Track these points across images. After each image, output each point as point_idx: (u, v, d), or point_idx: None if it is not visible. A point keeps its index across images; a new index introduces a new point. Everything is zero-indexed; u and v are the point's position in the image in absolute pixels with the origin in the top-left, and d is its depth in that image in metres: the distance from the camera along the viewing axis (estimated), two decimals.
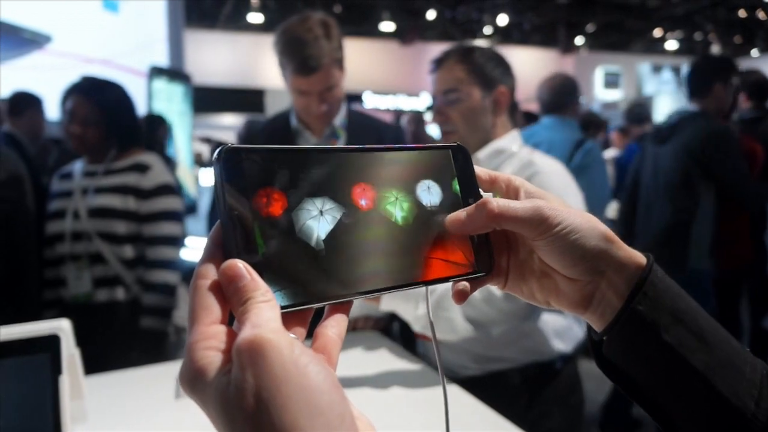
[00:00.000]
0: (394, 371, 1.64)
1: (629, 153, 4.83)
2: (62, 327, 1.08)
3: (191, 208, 5.88)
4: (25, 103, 3.78)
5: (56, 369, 0.99)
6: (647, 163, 3.16)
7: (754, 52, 17.18)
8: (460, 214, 0.56)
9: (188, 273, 2.45)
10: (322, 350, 0.44)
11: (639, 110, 4.85)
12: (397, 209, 0.54)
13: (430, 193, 0.57)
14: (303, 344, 0.39)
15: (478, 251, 0.58)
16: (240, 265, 0.41)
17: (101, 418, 1.36)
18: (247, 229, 0.44)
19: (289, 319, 0.44)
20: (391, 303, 1.52)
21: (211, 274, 0.43)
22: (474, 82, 1.71)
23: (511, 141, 1.75)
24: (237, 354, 0.37)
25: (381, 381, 1.57)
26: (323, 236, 0.48)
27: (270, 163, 0.47)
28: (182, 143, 6.60)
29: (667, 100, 12.40)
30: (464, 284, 0.57)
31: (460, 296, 0.56)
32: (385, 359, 1.72)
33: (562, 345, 1.71)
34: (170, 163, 4.49)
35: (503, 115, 1.77)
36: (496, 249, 0.60)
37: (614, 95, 16.34)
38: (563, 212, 0.54)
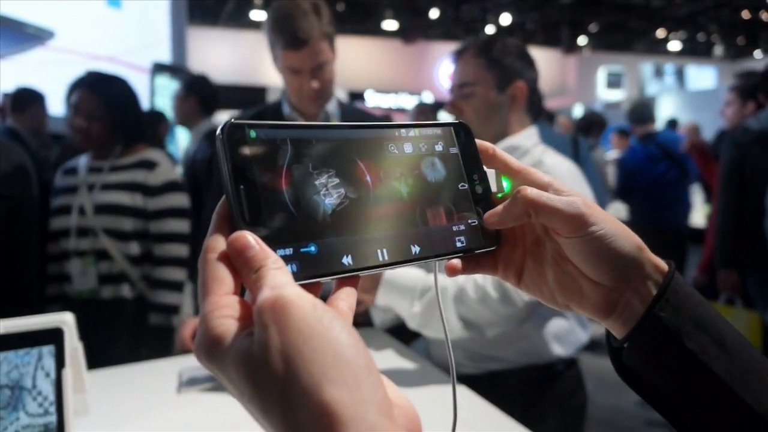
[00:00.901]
0: (399, 369, 1.64)
1: (632, 153, 4.82)
2: (66, 320, 1.08)
3: None
4: (28, 99, 3.79)
5: (60, 362, 0.99)
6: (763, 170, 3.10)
7: (757, 54, 17.16)
8: (497, 208, 0.57)
9: (194, 271, 2.42)
10: None
11: (642, 110, 4.82)
12: (402, 185, 0.55)
13: (434, 170, 0.58)
14: (323, 303, 0.39)
15: (484, 225, 0.58)
16: (248, 235, 0.42)
17: (103, 412, 1.36)
18: (251, 202, 0.44)
19: None
20: (387, 299, 1.50)
21: (219, 246, 0.42)
22: (490, 76, 1.68)
23: (526, 137, 1.71)
24: (259, 314, 0.37)
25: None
26: (329, 211, 0.49)
27: (274, 138, 0.48)
28: (184, 140, 6.60)
29: (669, 100, 12.38)
30: (456, 260, 0.57)
31: (453, 270, 0.57)
32: (390, 358, 1.72)
33: (561, 349, 1.68)
34: (171, 159, 4.49)
35: (520, 111, 1.73)
36: (512, 243, 0.60)
37: (617, 95, 16.33)
38: (600, 214, 0.53)
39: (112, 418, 1.35)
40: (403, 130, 0.57)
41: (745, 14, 13.87)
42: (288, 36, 1.82)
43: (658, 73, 17.17)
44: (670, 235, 4.15)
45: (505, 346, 1.66)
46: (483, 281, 1.47)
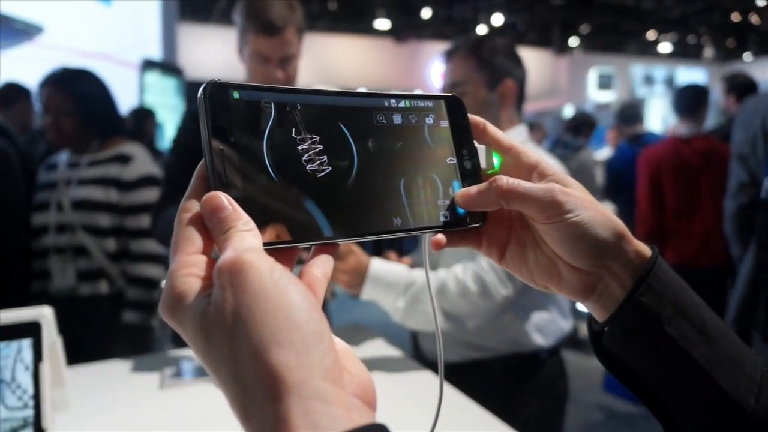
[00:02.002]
0: (382, 362, 1.64)
1: (620, 154, 4.84)
2: (44, 314, 1.07)
3: None
4: (14, 95, 3.77)
5: (37, 355, 0.99)
6: None
7: (747, 56, 17.25)
8: (471, 189, 0.56)
9: None
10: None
11: (631, 111, 4.85)
12: (388, 156, 0.53)
13: (422, 142, 0.56)
14: (283, 268, 0.39)
15: None
16: (222, 196, 0.42)
17: (84, 407, 1.36)
18: (229, 164, 0.43)
19: (274, 258, 0.43)
20: (372, 294, 1.54)
21: (194, 207, 0.43)
22: (480, 76, 1.72)
23: (516, 134, 1.76)
24: (218, 274, 0.38)
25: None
26: (310, 177, 0.48)
27: (258, 101, 0.47)
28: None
29: (659, 102, 12.45)
30: (441, 236, 0.56)
31: (437, 245, 0.56)
32: (367, 349, 1.72)
33: (542, 339, 1.72)
34: (160, 155, 4.47)
35: (510, 109, 1.77)
36: (498, 222, 0.59)
37: (607, 96, 16.39)
38: (577, 200, 0.53)
39: (92, 414, 1.34)
40: (393, 100, 0.56)
41: (735, 17, 13.95)
42: (263, 21, 1.82)
43: (648, 80, 17.20)
44: None
45: (489, 335, 1.70)
46: (463, 276, 1.54)
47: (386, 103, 0.56)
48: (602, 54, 17.33)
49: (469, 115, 0.60)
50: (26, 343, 0.99)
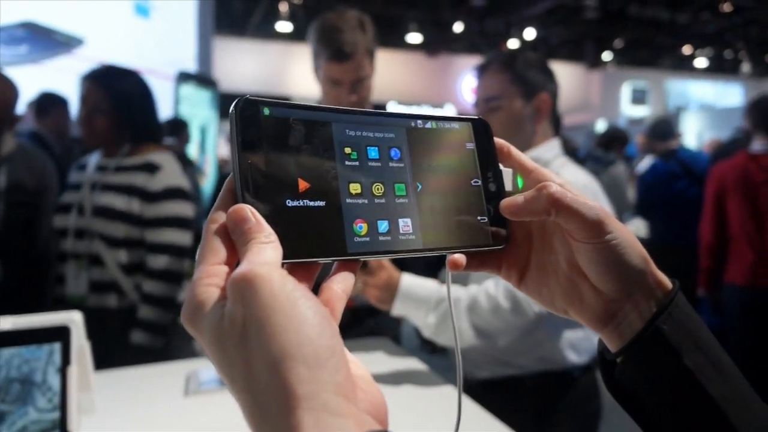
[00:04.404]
0: (397, 373, 1.64)
1: (653, 170, 4.76)
2: (73, 319, 1.10)
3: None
4: (50, 104, 3.85)
5: (65, 359, 1.01)
6: None
7: None
8: (517, 198, 0.55)
9: None
10: (326, 304, 0.44)
11: (664, 127, 4.77)
12: (414, 175, 0.54)
13: (447, 163, 0.57)
14: (296, 281, 0.40)
15: (494, 224, 0.57)
16: (246, 209, 0.43)
17: (109, 412, 1.38)
18: (256, 178, 0.45)
19: (294, 272, 0.44)
20: (403, 309, 1.54)
21: (221, 219, 0.44)
22: (515, 89, 1.72)
23: (548, 149, 1.75)
24: (230, 286, 0.39)
25: (383, 384, 1.56)
26: (334, 194, 0.48)
27: (288, 117, 0.48)
28: (209, 148, 6.69)
29: (694, 117, 12.24)
30: (460, 255, 0.55)
31: (455, 265, 0.55)
32: (388, 362, 1.72)
33: (575, 356, 1.70)
34: (191, 165, 4.51)
35: (544, 123, 1.76)
36: (519, 244, 0.59)
37: (641, 111, 16.19)
38: (615, 223, 0.52)
39: (118, 418, 1.36)
40: (420, 121, 0.56)
41: None
42: (333, 48, 1.87)
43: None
44: (688, 254, 4.08)
45: (521, 352, 1.69)
46: (495, 291, 1.53)
47: (414, 124, 0.56)
48: (636, 68, 17.13)
49: (494, 139, 0.61)
50: (57, 347, 1.02)
